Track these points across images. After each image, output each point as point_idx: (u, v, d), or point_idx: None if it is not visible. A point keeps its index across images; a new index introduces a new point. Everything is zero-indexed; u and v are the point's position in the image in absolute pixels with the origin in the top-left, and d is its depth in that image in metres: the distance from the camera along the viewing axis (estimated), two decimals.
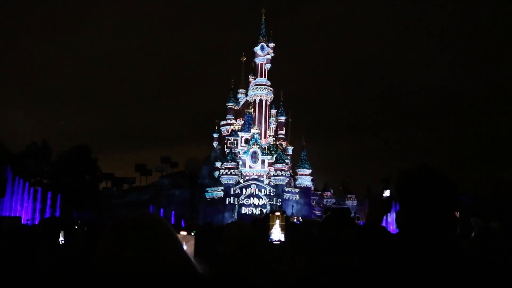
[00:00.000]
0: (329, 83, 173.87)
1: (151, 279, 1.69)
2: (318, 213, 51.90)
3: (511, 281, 2.14)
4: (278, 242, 6.08)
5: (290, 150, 62.94)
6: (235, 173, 55.39)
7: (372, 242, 2.53)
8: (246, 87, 65.50)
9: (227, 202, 53.71)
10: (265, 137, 59.98)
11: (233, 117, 64.77)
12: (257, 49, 60.65)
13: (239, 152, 57.65)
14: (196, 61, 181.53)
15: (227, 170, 55.32)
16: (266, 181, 54.76)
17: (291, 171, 58.19)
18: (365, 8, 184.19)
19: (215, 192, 56.67)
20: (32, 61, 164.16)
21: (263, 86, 60.04)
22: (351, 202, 56.76)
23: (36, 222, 35.22)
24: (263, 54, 60.63)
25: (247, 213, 50.43)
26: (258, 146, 55.93)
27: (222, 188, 55.49)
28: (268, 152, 57.46)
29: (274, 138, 61.29)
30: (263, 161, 55.76)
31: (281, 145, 61.24)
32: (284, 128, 63.85)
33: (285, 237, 6.14)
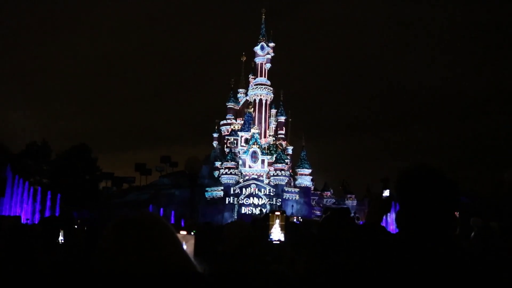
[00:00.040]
0: (329, 83, 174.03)
1: (151, 279, 1.69)
2: (317, 213, 51.89)
3: (511, 281, 2.14)
4: (278, 242, 6.09)
5: (290, 150, 62.93)
6: (235, 172, 55.39)
7: (372, 242, 2.53)
8: (246, 86, 65.50)
9: (226, 202, 53.71)
10: (265, 137, 59.99)
11: (233, 117, 64.76)
12: (257, 48, 60.66)
13: (239, 152, 57.65)
14: (196, 61, 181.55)
15: (227, 170, 55.32)
16: (266, 181, 54.77)
17: (291, 171, 58.20)
18: (365, 8, 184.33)
19: (215, 192, 56.68)
20: (32, 61, 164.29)
21: (263, 86, 60.06)
22: (350, 202, 56.75)
23: (36, 221, 35.21)
24: (263, 54, 60.64)
25: (247, 213, 50.46)
26: (258, 146, 55.94)
27: (222, 187, 55.50)
28: (268, 152, 57.47)
29: (274, 138, 61.29)
30: (263, 161, 55.78)
31: (281, 145, 61.24)
32: (284, 128, 63.85)
33: (285, 236, 6.15)
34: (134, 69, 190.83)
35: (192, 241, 2.99)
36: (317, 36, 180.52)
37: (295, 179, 57.74)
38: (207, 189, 57.25)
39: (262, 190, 53.70)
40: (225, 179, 55.25)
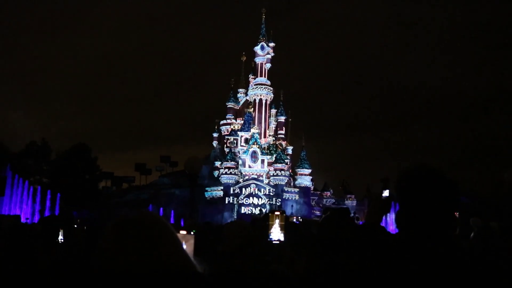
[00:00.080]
0: (329, 83, 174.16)
1: (151, 278, 1.69)
2: (317, 213, 51.89)
3: (511, 281, 2.14)
4: (278, 242, 6.08)
5: (289, 150, 62.92)
6: (235, 172, 55.38)
7: (371, 242, 2.53)
8: (246, 86, 65.50)
9: (226, 202, 53.71)
10: (264, 136, 59.99)
11: (233, 117, 64.76)
12: (257, 48, 60.64)
13: (238, 152, 57.63)
14: (196, 61, 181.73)
15: (226, 170, 55.31)
16: (266, 181, 54.77)
17: (290, 171, 58.19)
18: (365, 8, 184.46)
19: (214, 192, 56.67)
20: (32, 61, 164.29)
21: (263, 86, 60.04)
22: (350, 202, 56.77)
23: (36, 221, 35.22)
24: (263, 54, 60.62)
25: (247, 213, 50.45)
26: (257, 146, 55.93)
27: (222, 187, 55.49)
28: (268, 151, 57.47)
29: (273, 138, 61.29)
30: (262, 161, 55.77)
31: (281, 144, 61.23)
32: (284, 128, 63.83)
33: (285, 236, 6.14)
34: (134, 69, 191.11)
35: (192, 241, 2.99)
36: (317, 36, 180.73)
37: (295, 179, 57.73)
38: (207, 189, 57.24)
39: (262, 190, 53.69)
40: (225, 179, 55.24)
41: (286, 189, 54.74)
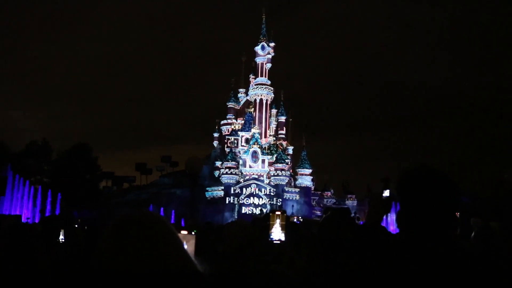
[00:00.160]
0: (329, 83, 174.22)
1: (151, 278, 1.69)
2: (318, 213, 51.85)
3: (511, 281, 2.14)
4: (278, 242, 6.08)
5: (290, 150, 62.89)
6: (235, 172, 55.35)
7: (372, 242, 2.53)
8: (246, 86, 65.46)
9: (227, 202, 53.67)
10: (265, 136, 59.96)
11: (233, 117, 64.72)
12: (258, 48, 60.60)
13: (239, 152, 57.60)
14: (196, 60, 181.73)
15: (227, 170, 55.27)
16: (266, 181, 54.73)
17: (291, 171, 58.17)
18: (365, 8, 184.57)
19: (215, 192, 56.64)
20: (32, 61, 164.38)
21: (264, 86, 59.99)
22: (351, 202, 56.78)
23: (36, 220, 35.25)
24: (264, 54, 60.57)
25: (247, 213, 50.40)
26: (258, 146, 55.90)
27: (222, 187, 55.45)
28: (269, 151, 57.44)
29: (274, 138, 61.26)
30: (263, 161, 55.73)
31: (282, 144, 61.20)
32: (284, 127, 63.81)
33: (285, 236, 6.14)
34: (134, 69, 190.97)
35: (193, 241, 2.99)
36: (317, 36, 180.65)
37: (295, 179, 57.70)
38: (207, 188, 57.21)
39: (263, 190, 53.66)
40: (225, 179, 55.21)
41: (286, 189, 54.71)
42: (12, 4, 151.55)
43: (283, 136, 63.20)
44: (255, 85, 60.46)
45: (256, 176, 55.06)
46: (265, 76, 60.68)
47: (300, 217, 33.94)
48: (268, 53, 60.99)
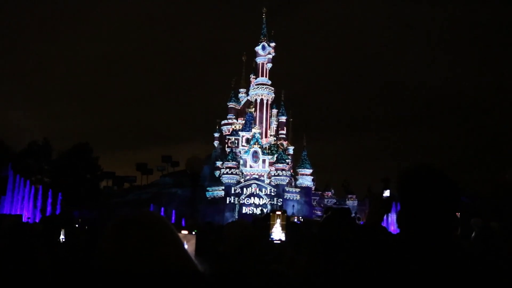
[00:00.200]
0: (329, 83, 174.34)
1: (151, 278, 1.69)
2: (318, 213, 51.84)
3: (511, 282, 2.14)
4: (279, 242, 6.09)
5: (291, 150, 62.90)
6: (236, 172, 55.32)
7: (372, 242, 2.53)
8: (247, 86, 65.44)
9: (227, 202, 53.65)
10: (266, 136, 59.93)
11: (234, 117, 64.73)
12: (258, 48, 60.56)
13: (240, 152, 57.58)
14: (197, 60, 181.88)
15: (228, 170, 55.25)
16: (267, 181, 54.70)
17: (292, 171, 58.14)
18: (365, 8, 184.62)
19: (215, 192, 56.63)
20: (32, 61, 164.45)
21: (264, 86, 59.93)
22: (351, 202, 56.75)
23: (37, 220, 35.25)
24: (264, 54, 60.52)
25: (248, 213, 50.39)
26: (259, 146, 55.87)
27: (223, 187, 55.44)
28: (269, 151, 57.43)
29: (275, 138, 61.25)
30: (264, 161, 55.70)
31: (282, 144, 61.18)
32: (285, 127, 63.83)
33: (286, 236, 6.15)
34: (135, 69, 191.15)
35: (193, 241, 2.99)
36: (317, 36, 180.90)
37: (296, 179, 57.69)
38: (208, 188, 57.20)
39: (263, 190, 53.64)
40: (226, 178, 55.20)
41: (287, 189, 54.70)
42: (12, 4, 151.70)
43: (284, 136, 63.21)
44: (256, 85, 60.42)
45: (257, 176, 55.04)
46: (266, 76, 60.63)
47: (300, 217, 33.94)
48: (269, 53, 60.95)
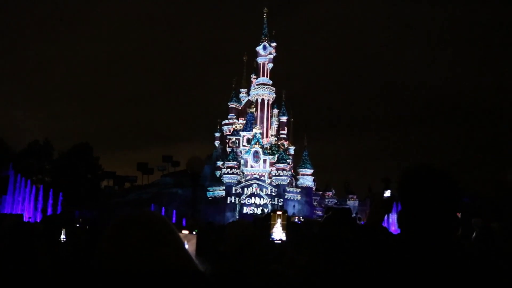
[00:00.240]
0: (329, 82, 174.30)
1: (152, 278, 1.69)
2: (319, 213, 51.81)
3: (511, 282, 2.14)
4: (280, 242, 6.09)
5: (291, 150, 62.89)
6: (237, 172, 55.33)
7: (373, 242, 2.53)
8: (248, 86, 65.43)
9: (228, 202, 53.66)
10: (266, 136, 59.90)
11: (235, 117, 64.76)
12: (259, 48, 60.53)
13: (240, 152, 57.59)
14: (197, 60, 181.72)
15: (228, 170, 55.27)
16: (268, 181, 54.68)
17: (292, 171, 58.13)
18: (365, 8, 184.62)
19: (216, 192, 56.64)
20: (32, 61, 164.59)
21: (265, 86, 59.90)
22: (352, 202, 56.72)
23: (38, 220, 35.27)
24: (265, 54, 60.48)
25: (249, 213, 50.36)
26: (259, 146, 55.86)
27: (224, 187, 55.46)
28: (270, 151, 57.40)
29: (275, 138, 61.22)
30: (264, 161, 55.69)
31: (283, 144, 61.16)
32: (285, 127, 63.85)
33: (287, 236, 6.15)
34: (134, 69, 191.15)
35: (194, 241, 2.99)
36: (318, 36, 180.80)
37: (297, 179, 57.67)
38: (208, 188, 57.21)
39: (264, 190, 53.63)
40: (227, 178, 55.22)
41: (288, 189, 54.68)
42: (12, 4, 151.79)
43: (285, 136, 63.22)
44: (257, 85, 60.39)
45: (258, 176, 55.04)
46: (267, 76, 60.59)
47: (301, 217, 33.91)
48: (270, 53, 60.92)
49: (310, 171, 57.94)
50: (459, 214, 2.48)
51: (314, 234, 7.27)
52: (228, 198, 53.83)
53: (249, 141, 57.74)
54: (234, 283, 3.65)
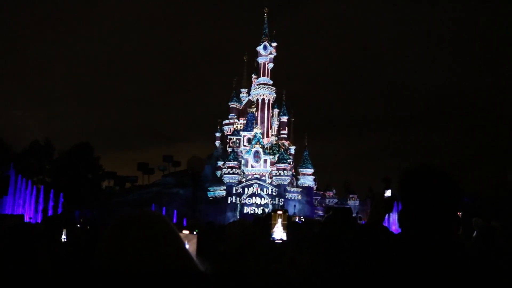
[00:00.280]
0: (330, 82, 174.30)
1: (152, 278, 1.69)
2: (320, 212, 51.80)
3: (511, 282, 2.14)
4: (280, 241, 6.08)
5: (292, 149, 62.90)
6: (237, 172, 55.35)
7: (373, 242, 2.53)
8: (248, 86, 65.42)
9: (229, 202, 53.66)
10: (267, 136, 59.89)
11: (235, 117, 64.76)
12: (260, 48, 60.51)
13: (241, 152, 57.60)
14: (198, 60, 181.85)
15: (229, 170, 55.29)
16: (268, 181, 54.69)
17: (293, 170, 58.13)
18: (365, 8, 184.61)
19: (217, 191, 56.64)
20: (32, 61, 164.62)
21: (266, 86, 59.89)
22: (353, 202, 56.71)
23: (39, 220, 35.27)
24: (266, 54, 60.46)
25: (249, 213, 50.36)
26: (260, 146, 55.86)
27: (224, 187, 55.47)
28: (271, 151, 57.39)
29: (276, 138, 61.21)
30: (265, 161, 55.69)
31: (284, 144, 61.14)
32: (286, 127, 63.86)
33: (287, 236, 6.14)
34: (134, 69, 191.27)
35: (194, 241, 2.99)
36: (318, 36, 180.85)
37: (297, 179, 57.68)
38: (209, 188, 57.22)
39: (265, 189, 53.62)
40: (227, 178, 55.23)
41: (288, 189, 54.69)
42: (12, 4, 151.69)
43: (285, 136, 63.22)
44: (257, 85, 60.38)
45: (258, 176, 55.04)
46: (267, 76, 60.57)
47: (302, 217, 33.87)
48: (270, 53, 60.90)
49: (310, 170, 57.96)
50: (459, 214, 2.48)
51: (315, 234, 7.27)
52: (229, 198, 53.83)
53: (249, 141, 57.74)
54: (234, 283, 3.65)
